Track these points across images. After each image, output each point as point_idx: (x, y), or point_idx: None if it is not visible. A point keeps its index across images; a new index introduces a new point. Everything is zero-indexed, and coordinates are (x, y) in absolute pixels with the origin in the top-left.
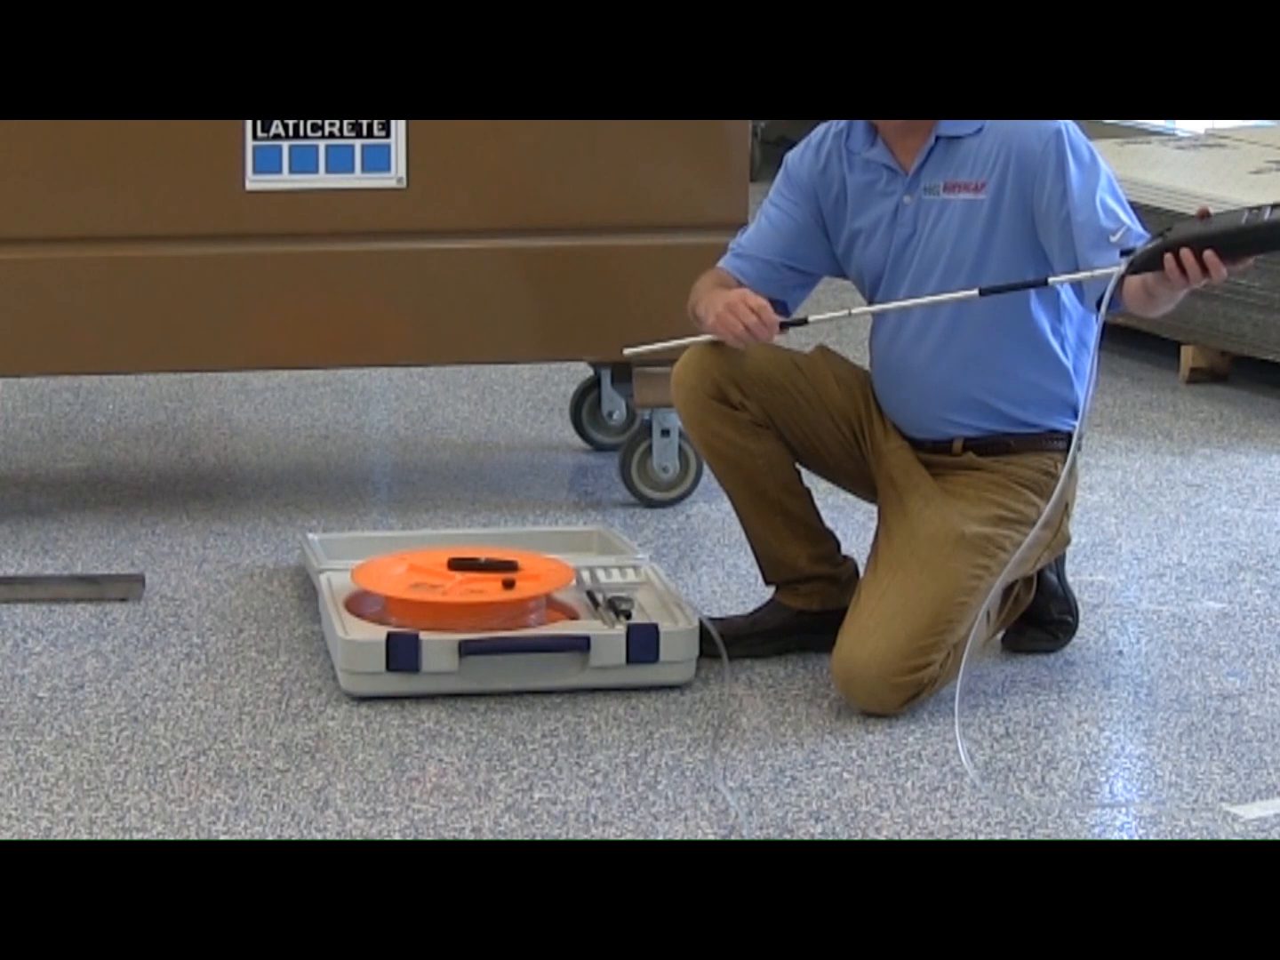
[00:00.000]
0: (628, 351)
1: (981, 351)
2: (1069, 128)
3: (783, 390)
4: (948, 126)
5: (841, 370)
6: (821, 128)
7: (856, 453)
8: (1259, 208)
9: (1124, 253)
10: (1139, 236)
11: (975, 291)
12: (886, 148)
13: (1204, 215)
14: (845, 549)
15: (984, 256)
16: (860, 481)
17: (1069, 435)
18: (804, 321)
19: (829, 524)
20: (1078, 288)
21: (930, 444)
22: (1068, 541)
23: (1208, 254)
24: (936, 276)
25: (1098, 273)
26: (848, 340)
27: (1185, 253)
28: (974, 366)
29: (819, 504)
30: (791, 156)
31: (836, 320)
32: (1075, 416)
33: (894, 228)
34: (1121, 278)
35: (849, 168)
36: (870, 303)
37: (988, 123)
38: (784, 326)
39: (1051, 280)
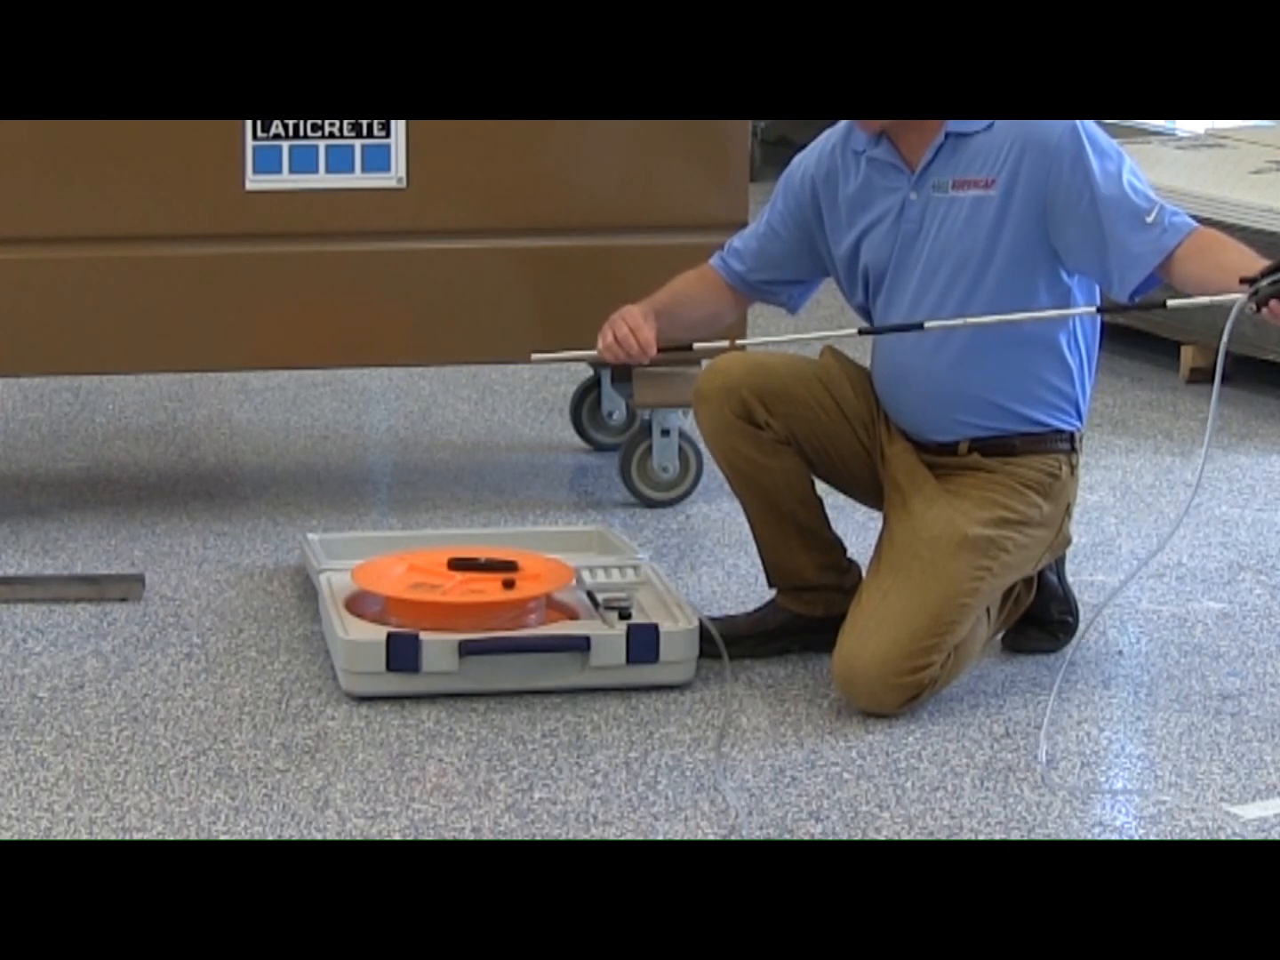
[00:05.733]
0: (535, 357)
1: (989, 349)
2: (1084, 121)
3: (805, 405)
4: (957, 123)
5: (851, 372)
6: (826, 132)
7: (869, 461)
8: None
9: (1244, 280)
10: (1173, 213)
11: (1093, 310)
12: (892, 145)
13: None
14: (847, 548)
15: (990, 253)
16: (873, 493)
17: (1072, 435)
18: (687, 347)
19: (833, 527)
20: (1108, 278)
21: (936, 446)
22: (1069, 542)
23: None
24: (944, 274)
25: (1220, 298)
26: (848, 341)
27: None
28: (981, 364)
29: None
30: (794, 164)
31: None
32: (1078, 415)
33: (899, 224)
34: (1241, 307)
35: (854, 169)
36: (872, 301)
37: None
38: (663, 351)
39: (1170, 304)
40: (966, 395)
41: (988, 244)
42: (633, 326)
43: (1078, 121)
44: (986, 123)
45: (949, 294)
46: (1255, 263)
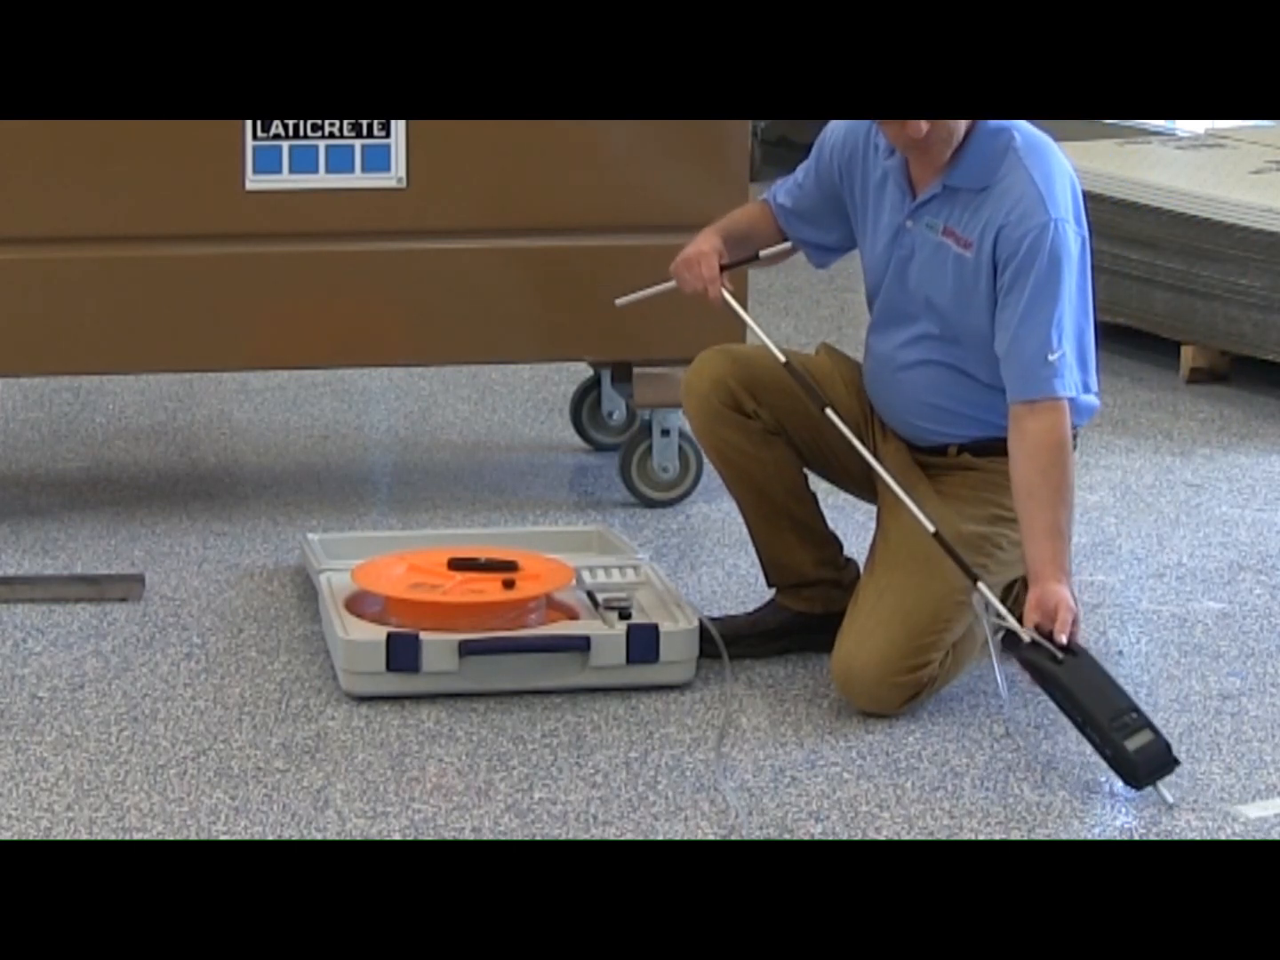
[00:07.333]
0: (620, 302)
1: (958, 371)
2: (1059, 226)
3: (794, 396)
4: (957, 178)
5: (846, 371)
6: None
7: (861, 456)
8: (1124, 722)
9: (1008, 636)
10: (1061, 374)
11: (931, 529)
12: (904, 163)
13: (1068, 648)
14: (846, 548)
15: (960, 310)
16: (864, 485)
17: None
18: (754, 258)
19: (830, 525)
20: (1004, 374)
21: (926, 447)
22: None
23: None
24: (926, 309)
25: (994, 643)
26: (848, 340)
27: (1027, 671)
28: (952, 384)
29: (821, 504)
30: (828, 129)
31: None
32: None
33: (894, 246)
34: (996, 639)
35: (875, 164)
36: (870, 302)
37: (994, 181)
38: (725, 269)
39: (980, 586)
40: (943, 410)
41: (962, 300)
42: (708, 278)
43: (1051, 225)
44: (982, 184)
45: (930, 329)
46: (1049, 559)
